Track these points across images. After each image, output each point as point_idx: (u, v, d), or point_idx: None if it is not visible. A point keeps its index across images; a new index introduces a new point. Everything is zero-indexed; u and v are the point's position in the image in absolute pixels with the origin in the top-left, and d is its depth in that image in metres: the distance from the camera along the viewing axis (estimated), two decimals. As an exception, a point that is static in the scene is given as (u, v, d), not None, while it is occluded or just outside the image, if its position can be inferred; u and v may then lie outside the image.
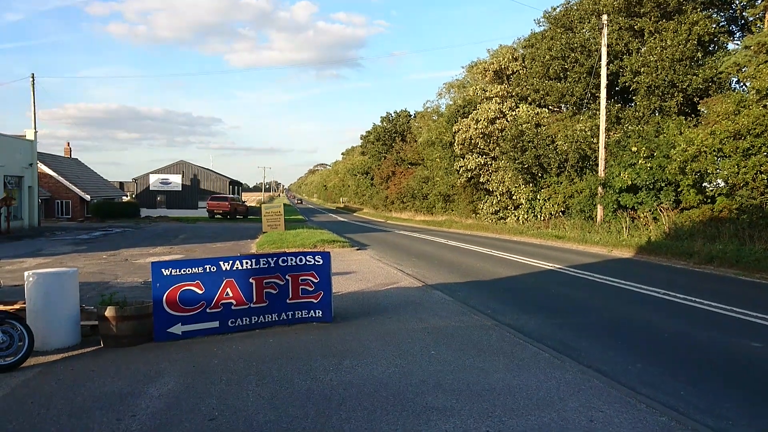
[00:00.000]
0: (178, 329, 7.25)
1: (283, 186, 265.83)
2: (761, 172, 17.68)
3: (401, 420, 4.63)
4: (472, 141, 34.68)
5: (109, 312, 6.94)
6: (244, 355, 6.59)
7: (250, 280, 7.76)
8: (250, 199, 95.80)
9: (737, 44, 25.29)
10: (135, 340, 7.05)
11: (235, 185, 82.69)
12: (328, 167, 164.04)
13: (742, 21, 26.15)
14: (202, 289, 7.39)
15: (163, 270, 7.20)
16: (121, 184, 69.88)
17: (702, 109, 23.38)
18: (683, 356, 6.88)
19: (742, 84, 23.79)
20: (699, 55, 23.97)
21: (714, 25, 24.72)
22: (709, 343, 7.49)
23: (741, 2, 25.27)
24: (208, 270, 7.47)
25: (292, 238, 21.15)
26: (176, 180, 69.40)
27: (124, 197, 56.81)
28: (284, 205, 33.33)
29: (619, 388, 5.47)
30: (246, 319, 7.74)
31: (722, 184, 19.82)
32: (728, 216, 18.44)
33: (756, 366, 6.49)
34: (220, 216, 44.30)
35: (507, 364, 6.20)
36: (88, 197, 44.23)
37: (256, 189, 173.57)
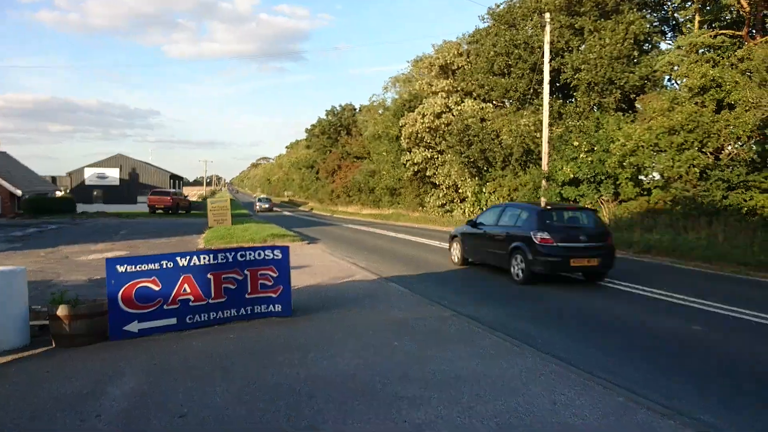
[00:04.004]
0: (134, 327, 7.06)
1: (225, 180, 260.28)
2: (693, 166, 18.66)
3: (372, 410, 4.69)
4: (419, 135, 35.04)
5: (62, 311, 6.69)
6: (205, 351, 6.49)
7: (208, 275, 7.64)
8: (191, 194, 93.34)
9: (669, 44, 26.54)
10: (89, 339, 6.82)
11: (176, 179, 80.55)
12: (272, 161, 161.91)
13: (674, 22, 27.43)
14: (158, 286, 7.22)
15: (117, 266, 6.99)
16: (54, 178, 66.76)
17: (638, 106, 24.43)
18: (632, 340, 7.23)
19: (674, 82, 24.98)
20: (635, 53, 25.00)
21: (648, 25, 25.83)
22: (654, 327, 7.90)
23: (673, 4, 26.50)
24: (164, 266, 7.30)
25: (240, 233, 20.81)
26: (114, 174, 66.99)
27: (57, 192, 54.33)
28: (230, 199, 32.74)
29: (578, 373, 5.72)
30: (204, 315, 7.61)
31: (658, 177, 20.82)
32: (664, 207, 19.39)
33: (698, 348, 6.90)
34: (161, 211, 43.06)
35: (469, 352, 6.36)
36: (19, 192, 42.07)
37: (197, 183, 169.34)
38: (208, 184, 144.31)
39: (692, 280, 12.10)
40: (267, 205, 54.93)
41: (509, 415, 4.58)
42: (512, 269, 11.81)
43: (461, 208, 32.79)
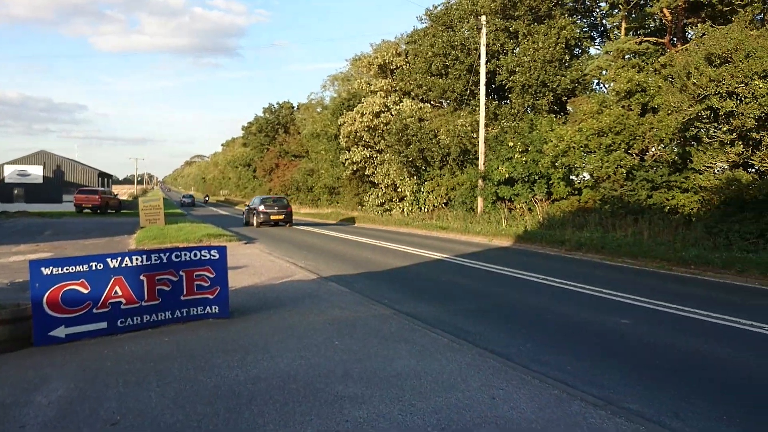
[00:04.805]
0: (61, 332, 6.73)
1: (157, 178, 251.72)
2: (621, 166, 19.52)
3: (314, 410, 4.66)
4: (358, 134, 35.05)
5: (-20, 316, 6.30)
6: (138, 355, 6.26)
7: (141, 277, 7.37)
8: (121, 192, 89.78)
9: (598, 49, 27.66)
10: (12, 346, 6.45)
11: (105, 177, 77.45)
12: (207, 159, 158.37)
13: (602, 28, 28.63)
14: (87, 288, 6.90)
15: (42, 269, 6.64)
16: (-30, 176, 62.82)
17: (570, 108, 25.33)
18: (566, 335, 7.49)
19: (603, 86, 26.06)
20: (566, 57, 25.93)
21: (579, 31, 26.83)
22: (585, 322, 8.21)
23: (601, 11, 27.63)
24: (94, 267, 6.99)
25: (174, 232, 20.21)
26: (36, 171, 63.66)
27: (-26, 190, 51.11)
28: (163, 198, 31.70)
29: (514, 367, 5.87)
30: (137, 319, 7.34)
31: (588, 177, 21.65)
32: (593, 206, 20.19)
33: (627, 340, 7.23)
34: (89, 210, 41.21)
35: (409, 350, 6.41)
36: (-70, 191, 39.36)
37: (128, 181, 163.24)
38: (140, 182, 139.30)
39: (620, 275, 12.65)
40: (189, 201, 74.63)
41: (450, 411, 4.65)
42: (253, 222, 28.53)
43: (400, 207, 33.04)
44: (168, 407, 4.74)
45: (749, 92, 14.87)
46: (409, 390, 5.12)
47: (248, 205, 31.97)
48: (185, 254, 7.80)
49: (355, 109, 35.88)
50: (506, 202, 24.13)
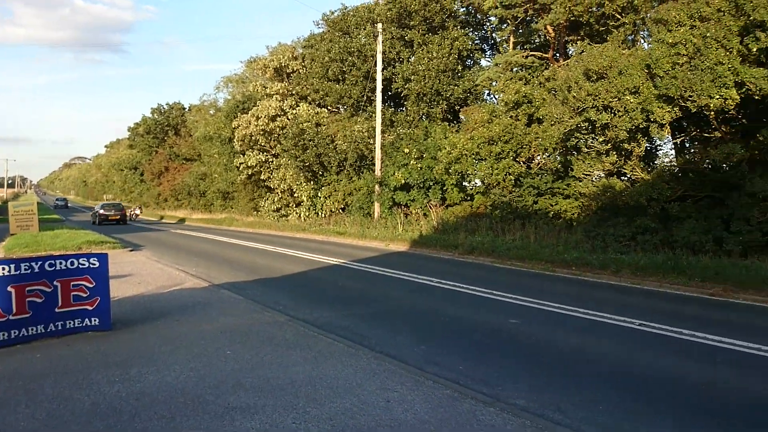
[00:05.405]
0: None
1: (31, 181, 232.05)
2: (509, 174, 20.46)
3: (203, 423, 4.45)
4: (253, 137, 34.25)
5: None
6: (5, 374, 5.70)
7: (9, 288, 6.72)
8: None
9: (489, 61, 28.91)
10: None
11: (-30, 180, 70.40)
12: (89, 161, 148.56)
13: (492, 41, 29.93)
14: (-57, 302, 6.20)
15: None
16: None
17: (462, 117, 26.24)
18: (458, 336, 7.70)
19: (493, 96, 27.24)
20: (459, 68, 26.85)
21: (471, 43, 27.90)
22: (477, 322, 8.49)
23: (491, 24, 28.90)
24: (-49, 278, 6.28)
25: (50, 240, 18.72)
26: None
27: None
28: (38, 203, 29.28)
29: (409, 369, 5.94)
30: (4, 334, 6.67)
31: (479, 184, 22.51)
32: (484, 212, 21.02)
33: (515, 339, 7.55)
34: (-50, 216, 37.25)
35: (304, 356, 6.31)
36: None
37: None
38: (11, 185, 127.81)
39: (509, 277, 13.23)
40: (63, 203, 79.43)
41: (344, 416, 4.60)
42: (95, 221, 37.58)
43: (297, 213, 32.67)
44: (38, 429, 4.34)
45: (621, 106, 16.10)
46: (303, 397, 5.02)
47: (94, 209, 42.64)
48: (60, 263, 7.21)
49: (250, 112, 35.03)
50: (402, 207, 24.55)
